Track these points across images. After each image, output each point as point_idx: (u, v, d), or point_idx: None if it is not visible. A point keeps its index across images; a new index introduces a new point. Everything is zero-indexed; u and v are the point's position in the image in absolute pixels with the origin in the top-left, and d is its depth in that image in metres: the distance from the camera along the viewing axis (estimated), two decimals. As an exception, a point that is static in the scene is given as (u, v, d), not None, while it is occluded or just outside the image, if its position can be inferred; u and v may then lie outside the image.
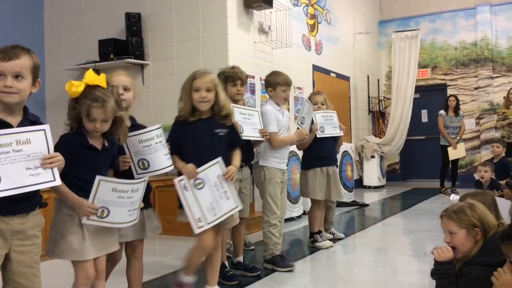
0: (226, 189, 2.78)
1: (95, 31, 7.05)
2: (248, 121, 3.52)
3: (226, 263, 3.57)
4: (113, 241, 2.38)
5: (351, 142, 9.28)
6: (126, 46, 6.67)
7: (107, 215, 2.24)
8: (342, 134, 4.71)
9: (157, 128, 2.63)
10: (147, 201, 2.68)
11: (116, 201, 2.26)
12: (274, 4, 6.80)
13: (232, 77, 3.59)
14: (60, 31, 7.54)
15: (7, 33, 6.86)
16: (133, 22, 6.71)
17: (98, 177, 2.20)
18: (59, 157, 1.98)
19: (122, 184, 2.28)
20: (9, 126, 1.93)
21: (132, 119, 2.74)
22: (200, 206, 2.71)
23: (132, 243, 2.66)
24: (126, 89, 2.67)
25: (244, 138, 3.31)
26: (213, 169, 2.74)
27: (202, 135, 2.87)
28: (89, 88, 2.24)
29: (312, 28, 8.56)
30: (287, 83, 3.93)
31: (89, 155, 2.23)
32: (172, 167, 2.68)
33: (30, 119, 2.02)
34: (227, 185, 2.79)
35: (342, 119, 4.99)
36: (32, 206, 2.02)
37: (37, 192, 2.02)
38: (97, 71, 2.33)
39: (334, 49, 9.33)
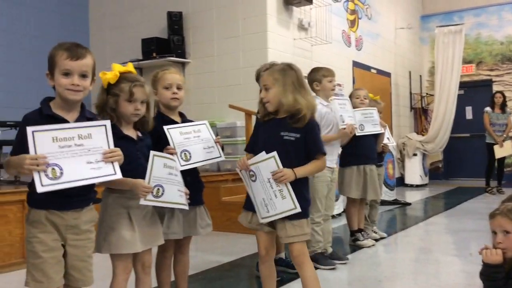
0: (282, 188, 2.45)
1: (137, 30, 7.21)
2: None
3: (267, 259, 3.58)
4: (159, 235, 2.40)
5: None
6: (168, 44, 6.78)
7: (162, 194, 2.26)
8: (382, 131, 4.63)
9: (201, 124, 2.68)
10: (199, 199, 2.72)
11: (168, 178, 2.30)
12: (314, 1, 6.77)
13: None
14: (104, 30, 7.75)
15: (53, 32, 7.10)
16: (175, 21, 6.83)
17: (152, 152, 2.25)
18: (119, 152, 2.03)
19: (169, 160, 2.35)
20: (66, 122, 1.99)
21: (182, 115, 2.78)
22: (254, 198, 2.53)
23: (180, 239, 2.67)
24: (179, 88, 2.69)
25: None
26: (267, 164, 2.46)
27: (267, 136, 2.56)
28: (122, 74, 2.33)
29: (352, 23, 8.46)
30: (332, 73, 4.00)
31: (126, 146, 2.19)
32: (212, 161, 2.70)
33: (86, 116, 2.08)
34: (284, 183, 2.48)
35: (382, 116, 4.91)
36: (87, 202, 2.08)
37: (92, 188, 2.08)
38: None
39: (374, 44, 9.19)
